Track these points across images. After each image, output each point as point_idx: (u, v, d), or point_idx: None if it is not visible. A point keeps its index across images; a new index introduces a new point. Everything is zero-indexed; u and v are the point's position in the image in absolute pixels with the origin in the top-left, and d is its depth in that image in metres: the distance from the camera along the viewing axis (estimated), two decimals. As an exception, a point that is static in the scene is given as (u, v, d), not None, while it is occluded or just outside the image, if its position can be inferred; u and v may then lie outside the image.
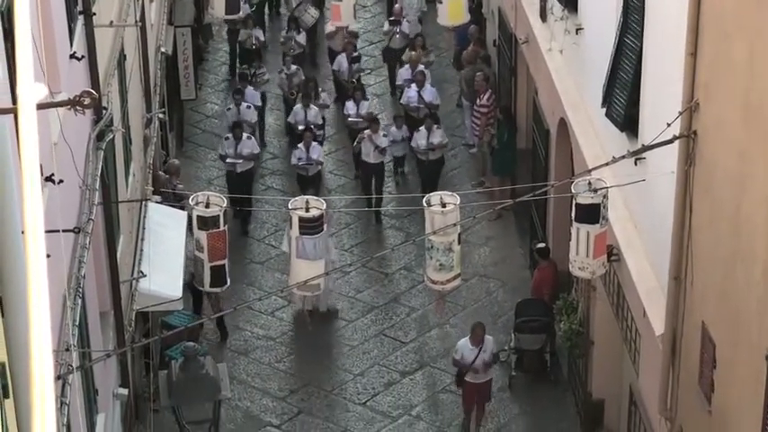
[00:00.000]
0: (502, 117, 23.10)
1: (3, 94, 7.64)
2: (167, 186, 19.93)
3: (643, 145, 13.58)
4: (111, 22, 15.09)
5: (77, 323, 10.84)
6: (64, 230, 9.46)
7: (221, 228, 13.42)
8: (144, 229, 16.43)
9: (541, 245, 19.66)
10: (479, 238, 22.43)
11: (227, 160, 22.55)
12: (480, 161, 24.10)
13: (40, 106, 4.37)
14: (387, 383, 19.09)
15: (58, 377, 9.90)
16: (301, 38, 27.02)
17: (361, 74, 26.55)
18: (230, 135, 22.72)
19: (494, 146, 23.26)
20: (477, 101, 23.78)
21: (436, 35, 28.58)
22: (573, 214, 13.70)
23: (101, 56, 13.68)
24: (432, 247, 13.22)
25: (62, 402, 9.84)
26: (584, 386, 17.77)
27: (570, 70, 18.43)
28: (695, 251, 12.51)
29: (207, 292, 17.83)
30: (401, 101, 24.87)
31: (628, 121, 14.98)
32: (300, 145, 22.94)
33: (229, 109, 24.23)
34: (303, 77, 25.34)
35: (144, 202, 17.11)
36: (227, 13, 24.42)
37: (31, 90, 3.41)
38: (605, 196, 13.45)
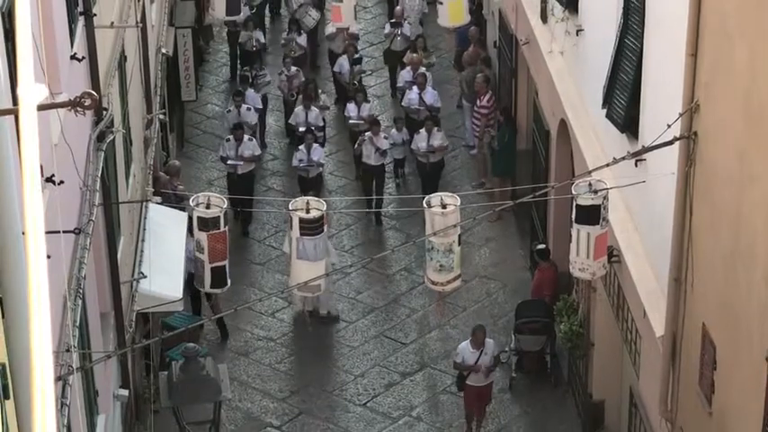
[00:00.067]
0: (502, 118, 23.11)
1: (3, 95, 7.64)
2: (168, 187, 19.93)
3: (643, 146, 13.58)
4: (112, 23, 15.10)
5: (78, 324, 10.85)
6: (64, 231, 9.46)
7: (222, 229, 13.42)
8: (144, 230, 16.43)
9: (541, 246, 19.66)
10: (480, 239, 22.43)
11: (228, 162, 22.54)
12: (481, 162, 24.10)
13: (41, 107, 4.38)
14: (387, 384, 19.09)
15: (58, 378, 9.91)
16: (302, 40, 27.02)
17: (363, 75, 26.53)
18: (231, 137, 22.71)
19: (494, 147, 23.26)
20: (478, 102, 23.78)
21: (437, 36, 28.59)
22: (573, 215, 13.70)
23: (101, 57, 13.68)
24: (432, 248, 13.22)
25: (62, 403, 9.85)
26: (585, 387, 17.77)
27: (571, 71, 18.43)
28: (695, 252, 12.51)
29: (206, 292, 17.88)
30: (402, 103, 24.86)
31: (628, 123, 14.98)
32: (301, 147, 22.94)
33: (229, 111, 24.22)
34: (303, 79, 25.34)
35: (144, 203, 17.11)
36: (227, 15, 24.45)
37: (32, 91, 3.42)
38: (606, 197, 13.45)
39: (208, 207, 13.36)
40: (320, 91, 25.29)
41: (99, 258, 13.61)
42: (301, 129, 23.77)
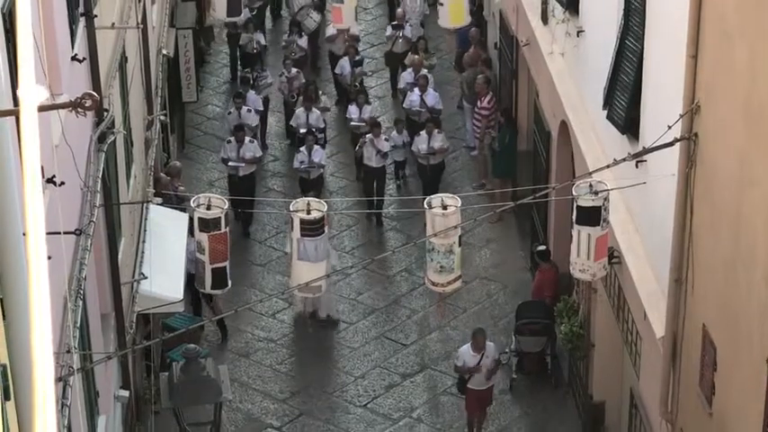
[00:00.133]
0: (503, 119, 23.11)
1: (4, 96, 7.65)
2: (169, 188, 19.94)
3: (644, 147, 13.59)
4: (113, 24, 15.10)
5: (78, 325, 10.85)
6: (65, 232, 9.46)
7: (222, 230, 13.43)
8: (145, 231, 16.43)
9: (542, 247, 19.66)
10: (480, 240, 22.43)
11: (230, 163, 22.54)
12: (481, 163, 24.10)
13: (42, 108, 4.38)
14: (387, 386, 19.09)
15: (59, 379, 9.91)
16: (303, 42, 27.02)
17: (364, 77, 26.52)
18: (232, 138, 22.71)
19: (495, 148, 23.26)
20: (478, 103, 23.77)
21: (437, 38, 28.59)
22: (574, 217, 13.70)
23: (102, 58, 13.68)
24: (432, 249, 13.23)
25: (63, 404, 9.85)
26: (585, 388, 17.77)
27: (571, 73, 18.43)
28: (696, 254, 12.51)
29: (205, 293, 17.88)
30: (403, 105, 24.84)
31: (629, 124, 14.99)
32: (302, 148, 22.94)
33: (230, 113, 24.21)
34: (303, 81, 25.35)
35: (145, 204, 17.12)
36: (228, 16, 24.44)
37: (33, 92, 3.42)
38: (606, 199, 13.45)
39: (208, 208, 13.37)
40: (320, 92, 25.30)
41: (100, 259, 13.61)
42: (302, 130, 23.77)
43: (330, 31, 26.90)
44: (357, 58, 26.26)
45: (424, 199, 13.44)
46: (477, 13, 26.39)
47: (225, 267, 13.68)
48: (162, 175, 20.57)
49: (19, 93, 3.43)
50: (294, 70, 25.50)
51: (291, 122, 24.55)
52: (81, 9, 12.90)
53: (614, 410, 17.16)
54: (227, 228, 13.63)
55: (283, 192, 23.80)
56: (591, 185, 13.43)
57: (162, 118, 20.19)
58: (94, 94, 8.07)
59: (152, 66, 19.72)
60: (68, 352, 10.17)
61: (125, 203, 15.68)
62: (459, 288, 14.90)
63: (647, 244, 14.63)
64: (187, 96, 25.08)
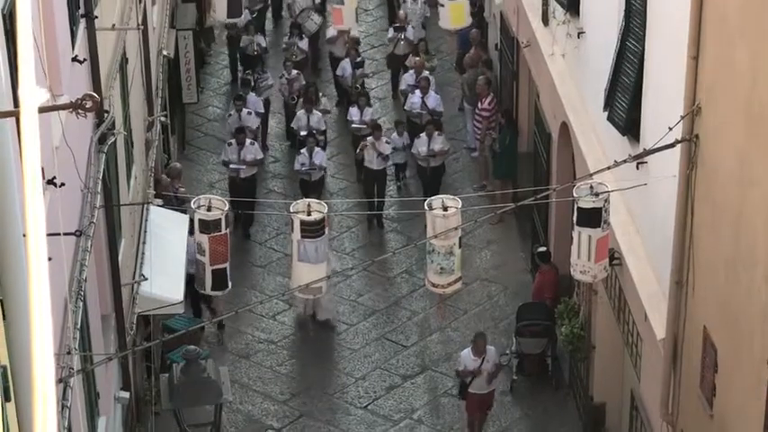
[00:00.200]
0: (504, 121, 23.11)
1: (4, 97, 7.64)
2: (169, 189, 19.94)
3: (645, 149, 13.59)
4: (113, 25, 15.10)
5: (79, 326, 10.85)
6: (65, 233, 9.46)
7: (223, 231, 13.43)
8: (145, 232, 16.43)
9: (542, 248, 19.66)
10: (481, 241, 22.43)
11: (231, 166, 22.53)
12: (482, 165, 24.09)
13: (42, 109, 4.37)
14: (388, 387, 19.09)
15: (59, 380, 9.90)
16: (303, 44, 27.01)
17: (365, 79, 26.49)
18: (233, 141, 22.69)
19: (495, 150, 23.25)
20: (479, 105, 23.77)
21: (438, 39, 28.59)
22: (574, 218, 13.70)
23: (102, 59, 13.68)
24: (433, 250, 13.22)
25: (63, 405, 9.84)
26: (586, 390, 17.76)
27: (572, 74, 18.43)
28: (697, 255, 12.51)
29: (204, 295, 17.89)
30: (404, 107, 24.83)
31: (629, 125, 14.98)
32: (303, 151, 22.93)
33: (230, 115, 24.17)
34: (304, 82, 25.34)
35: (145, 206, 17.11)
36: (229, 17, 24.47)
37: (33, 93, 3.41)
38: (607, 200, 13.45)
39: (209, 209, 13.37)
40: (321, 94, 25.29)
41: (100, 261, 13.61)
42: (303, 133, 23.75)
43: (331, 32, 26.90)
44: (358, 59, 26.25)
45: (425, 200, 13.43)
46: (478, 15, 26.39)
47: (225, 269, 13.68)
48: (162, 176, 20.57)
49: (19, 94, 3.43)
50: (294, 72, 25.49)
51: (292, 125, 24.53)
52: (81, 10, 12.90)
53: (615, 412, 17.16)
54: (228, 229, 13.62)
55: (284, 193, 23.79)
56: (592, 187, 13.43)
57: (162, 119, 20.18)
58: (95, 95, 8.07)
59: (152, 67, 19.72)
60: (69, 353, 10.16)
61: (125, 205, 15.67)
62: (460, 289, 14.91)
63: (648, 245, 14.62)
64: (187, 98, 25.08)
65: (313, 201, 13.80)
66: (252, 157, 22.55)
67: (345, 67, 26.04)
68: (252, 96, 24.58)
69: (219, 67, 28.69)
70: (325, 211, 13.38)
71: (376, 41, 29.46)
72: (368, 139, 22.91)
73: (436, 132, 23.04)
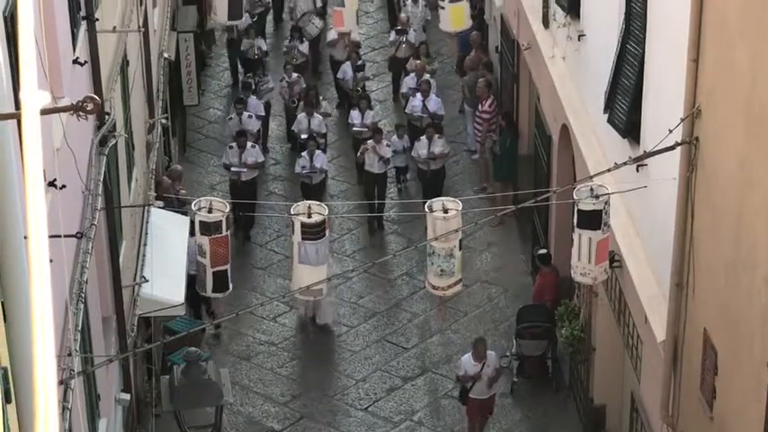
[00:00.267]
0: (504, 123, 23.11)
1: (6, 99, 7.65)
2: (170, 191, 19.95)
3: (645, 151, 13.59)
4: (114, 27, 15.11)
5: (80, 328, 10.86)
6: (66, 235, 9.47)
7: (224, 233, 13.44)
8: (146, 234, 16.44)
9: (543, 251, 19.66)
10: (481, 243, 22.43)
11: (232, 169, 22.53)
12: (482, 167, 24.10)
13: (44, 111, 4.39)
14: (388, 389, 19.09)
15: (60, 382, 9.91)
16: (304, 47, 27.02)
17: (366, 82, 26.49)
18: (234, 144, 22.70)
19: (496, 152, 23.25)
20: (480, 107, 23.77)
21: (438, 41, 28.61)
22: (575, 220, 13.71)
23: (104, 61, 13.69)
24: (433, 252, 13.23)
25: (64, 407, 9.85)
26: (586, 392, 17.76)
27: (572, 76, 18.44)
28: (697, 258, 12.51)
29: (205, 298, 17.90)
30: (405, 110, 24.84)
31: (630, 128, 14.99)
32: (304, 154, 22.93)
33: (230, 118, 24.16)
34: (304, 85, 25.35)
35: (146, 208, 17.12)
36: (229, 19, 24.47)
37: (35, 95, 3.43)
38: (607, 203, 13.46)
39: (210, 211, 13.38)
40: (321, 97, 25.30)
41: (101, 262, 13.62)
42: (303, 136, 23.75)
43: (331, 36, 26.90)
44: (359, 63, 26.26)
45: (425, 203, 13.44)
46: (478, 17, 26.41)
47: (226, 270, 13.69)
48: (163, 178, 20.58)
49: (21, 96, 3.44)
50: (295, 75, 25.50)
51: (293, 128, 24.54)
52: (82, 12, 12.91)
53: (615, 414, 17.16)
54: (229, 231, 13.63)
55: (284, 195, 23.80)
56: (592, 189, 13.44)
57: (163, 121, 20.20)
58: (96, 97, 8.09)
59: (153, 69, 19.73)
60: (69, 355, 10.17)
61: (126, 207, 15.68)
62: (460, 292, 14.91)
63: (648, 248, 14.63)
64: (188, 100, 25.09)
65: (314, 203, 13.82)
66: (253, 160, 22.56)
67: (346, 70, 26.05)
68: (253, 99, 24.59)
69: (220, 69, 28.71)
70: (326, 213, 13.39)
71: (376, 44, 29.48)
72: (368, 142, 22.91)
73: (436, 135, 23.03)
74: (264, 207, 23.34)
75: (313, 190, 22.48)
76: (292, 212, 13.36)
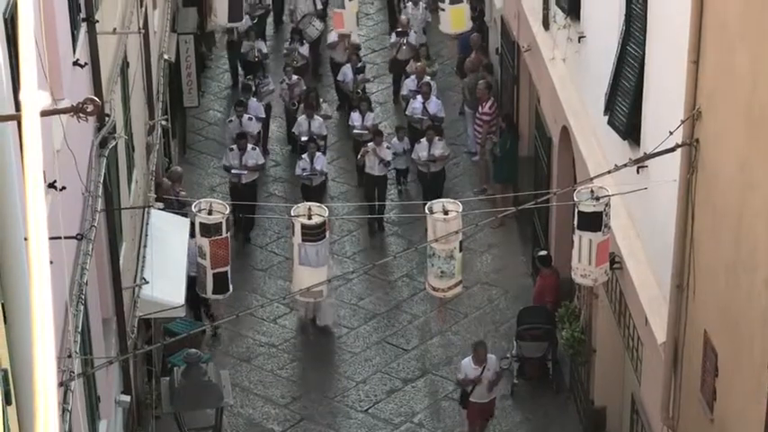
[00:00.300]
0: (504, 125, 23.11)
1: (6, 100, 7.65)
2: (170, 193, 19.96)
3: (645, 153, 13.59)
4: (115, 29, 15.11)
5: (80, 330, 10.85)
6: (66, 237, 9.47)
7: (224, 235, 13.44)
8: (146, 235, 16.44)
9: (543, 252, 19.66)
10: (481, 245, 22.43)
11: (233, 171, 22.53)
12: (482, 169, 24.11)
13: (44, 113, 4.38)
14: (389, 391, 19.09)
15: (60, 384, 9.91)
16: (304, 50, 27.02)
17: (366, 84, 26.48)
18: (234, 146, 22.70)
19: (496, 154, 23.26)
20: (480, 109, 23.78)
21: (438, 43, 28.61)
22: (575, 222, 13.71)
23: (104, 63, 13.69)
24: (433, 254, 13.23)
25: (64, 409, 9.85)
26: (587, 394, 17.76)
27: (573, 78, 18.44)
28: (697, 259, 12.51)
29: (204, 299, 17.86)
30: (406, 112, 24.85)
31: (630, 129, 14.99)
32: (305, 156, 22.94)
33: (231, 121, 24.16)
34: (304, 88, 25.35)
35: (146, 209, 17.12)
36: (230, 21, 24.47)
37: (35, 97, 3.42)
38: (607, 204, 13.46)
39: (210, 213, 13.38)
40: (321, 100, 25.30)
41: (101, 264, 13.62)
42: (304, 138, 23.75)
43: (332, 38, 26.91)
44: (359, 65, 26.26)
45: (425, 204, 13.44)
46: (479, 19, 26.41)
47: (226, 272, 13.69)
48: (164, 180, 20.58)
49: (21, 97, 3.44)
50: (295, 77, 25.51)
51: (293, 130, 24.54)
52: (83, 14, 12.91)
53: (615, 416, 17.16)
54: (229, 233, 13.63)
55: (285, 197, 23.80)
56: (592, 191, 13.44)
57: (163, 123, 20.20)
58: (96, 99, 8.09)
59: (153, 71, 19.74)
60: (69, 357, 10.17)
61: (126, 208, 15.69)
62: (460, 293, 14.91)
63: (649, 249, 14.63)
64: (188, 101, 25.10)
65: (314, 204, 13.82)
66: (253, 162, 22.56)
67: (347, 72, 26.06)
68: (253, 102, 24.59)
69: (220, 71, 28.72)
70: (326, 214, 13.39)
71: (377, 45, 29.49)
72: (369, 145, 22.91)
73: (437, 138, 23.03)
74: (265, 209, 23.35)
75: (313, 192, 22.48)
76: (292, 214, 13.36)
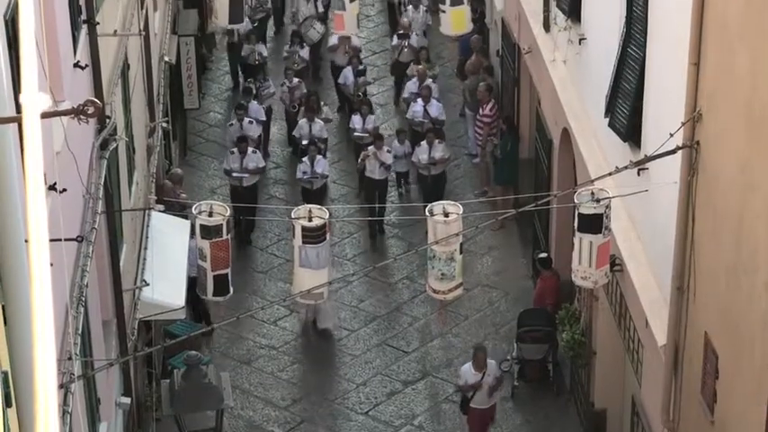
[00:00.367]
0: (505, 127, 23.11)
1: (7, 102, 7.65)
2: (170, 195, 19.95)
3: (646, 155, 13.59)
4: (115, 31, 15.12)
5: (80, 332, 10.85)
6: (67, 239, 9.47)
7: (224, 237, 13.44)
8: (147, 237, 16.44)
9: (543, 254, 19.65)
10: (482, 247, 22.43)
11: (234, 174, 22.53)
12: (483, 171, 24.11)
13: (44, 115, 4.38)
14: (389, 393, 19.08)
15: (60, 386, 9.91)
16: (305, 53, 27.02)
17: (367, 86, 26.47)
18: (235, 149, 22.70)
19: (497, 156, 23.27)
20: (480, 111, 23.77)
21: (439, 45, 28.62)
22: (575, 224, 13.70)
23: (104, 65, 13.70)
24: (434, 256, 13.23)
25: (65, 411, 9.85)
26: (587, 396, 17.75)
27: (573, 80, 18.44)
28: (698, 261, 12.51)
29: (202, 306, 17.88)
30: (407, 115, 24.85)
31: (630, 132, 14.99)
32: (305, 159, 22.93)
33: (231, 124, 24.14)
34: (305, 90, 25.35)
35: (147, 211, 17.12)
36: (230, 23, 24.47)
37: (35, 99, 3.43)
38: (608, 206, 13.45)
39: (210, 215, 13.38)
40: (322, 103, 25.29)
41: (101, 266, 13.62)
42: (304, 141, 23.74)
43: (332, 41, 26.91)
44: (360, 67, 26.26)
45: (426, 206, 13.44)
46: (479, 21, 26.40)
47: (227, 274, 13.69)
48: (164, 181, 20.58)
49: (21, 99, 3.44)
50: (296, 80, 25.51)
51: (294, 133, 24.53)
52: (83, 16, 12.92)
53: (616, 418, 17.15)
54: (229, 235, 13.63)
55: (285, 199, 23.81)
56: (593, 193, 13.43)
57: (164, 125, 20.20)
58: (96, 101, 8.08)
59: (154, 73, 19.75)
60: (70, 359, 10.17)
61: (127, 210, 15.69)
62: (461, 295, 14.90)
63: (649, 251, 14.62)
64: (189, 103, 25.11)
65: (314, 207, 13.81)
66: (254, 165, 22.57)
67: (347, 75, 26.07)
68: (254, 104, 24.58)
69: (221, 72, 28.72)
70: (327, 216, 13.39)
71: (377, 47, 29.49)
72: (369, 148, 22.90)
73: (437, 140, 23.02)
74: (265, 211, 23.35)
75: (314, 195, 22.48)
76: (293, 216, 13.36)
